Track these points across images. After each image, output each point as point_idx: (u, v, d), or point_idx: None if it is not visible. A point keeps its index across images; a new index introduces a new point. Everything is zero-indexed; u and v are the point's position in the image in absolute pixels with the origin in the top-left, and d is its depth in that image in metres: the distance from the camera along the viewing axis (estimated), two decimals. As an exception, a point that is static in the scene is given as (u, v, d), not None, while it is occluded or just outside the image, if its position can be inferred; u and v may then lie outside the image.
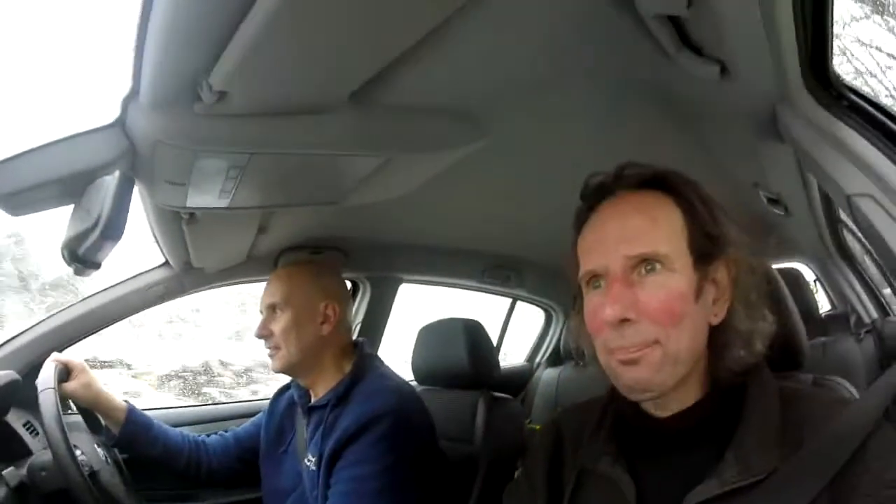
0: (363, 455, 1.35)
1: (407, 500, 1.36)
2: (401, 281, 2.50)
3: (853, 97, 0.89)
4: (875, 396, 0.76)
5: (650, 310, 0.77)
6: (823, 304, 3.70)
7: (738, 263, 0.82)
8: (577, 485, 0.89)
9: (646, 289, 0.78)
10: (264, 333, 1.53)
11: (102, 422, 1.61)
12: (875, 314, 2.97)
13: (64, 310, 1.80)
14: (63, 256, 1.16)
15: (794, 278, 2.50)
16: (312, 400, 1.56)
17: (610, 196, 0.85)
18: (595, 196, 0.87)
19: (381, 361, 1.62)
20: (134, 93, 0.98)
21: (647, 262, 0.79)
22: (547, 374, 3.35)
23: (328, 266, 1.73)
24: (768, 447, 0.75)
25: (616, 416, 0.91)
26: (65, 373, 1.51)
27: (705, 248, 0.80)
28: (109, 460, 1.49)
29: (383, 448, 1.35)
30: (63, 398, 1.44)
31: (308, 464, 1.49)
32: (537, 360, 3.60)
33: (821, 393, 0.87)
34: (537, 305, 3.32)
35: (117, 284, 1.85)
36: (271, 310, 1.54)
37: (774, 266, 1.05)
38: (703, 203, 0.83)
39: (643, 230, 0.80)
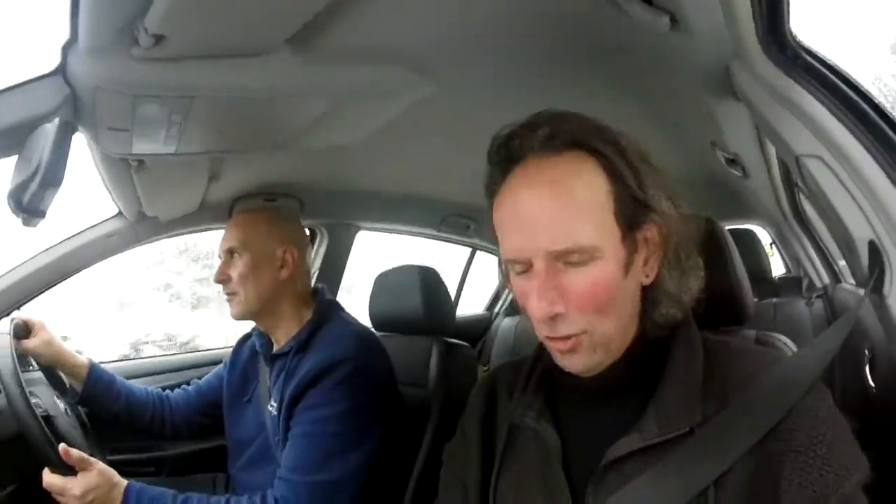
0: (322, 399, 1.37)
1: (365, 443, 1.38)
2: (358, 229, 2.51)
3: (808, 58, 0.88)
4: (814, 356, 0.76)
5: (576, 300, 0.74)
6: (779, 268, 3.81)
7: (667, 221, 0.77)
8: (509, 440, 0.89)
9: (571, 278, 0.74)
10: (222, 278, 1.53)
11: (66, 382, 1.60)
12: (827, 280, 3.04)
13: (18, 266, 1.76)
14: (9, 207, 1.14)
15: (748, 239, 2.55)
16: (274, 348, 1.56)
17: (523, 159, 0.77)
18: (506, 160, 0.79)
19: (342, 308, 1.62)
20: (72, 40, 0.97)
21: (571, 254, 0.73)
22: (505, 324, 3.40)
23: (286, 212, 1.72)
24: (691, 402, 0.75)
25: (543, 371, 0.91)
26: (24, 329, 1.49)
27: (633, 214, 0.76)
28: (70, 413, 1.48)
29: (342, 392, 1.37)
30: (23, 356, 1.43)
31: (270, 409, 1.51)
32: (496, 309, 3.67)
33: (750, 348, 0.85)
34: (496, 255, 3.35)
35: (70, 237, 1.82)
36: (229, 254, 1.53)
37: (731, 227, 1.05)
38: (626, 161, 0.76)
39: (565, 218, 0.73)
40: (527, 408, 0.88)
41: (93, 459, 1.24)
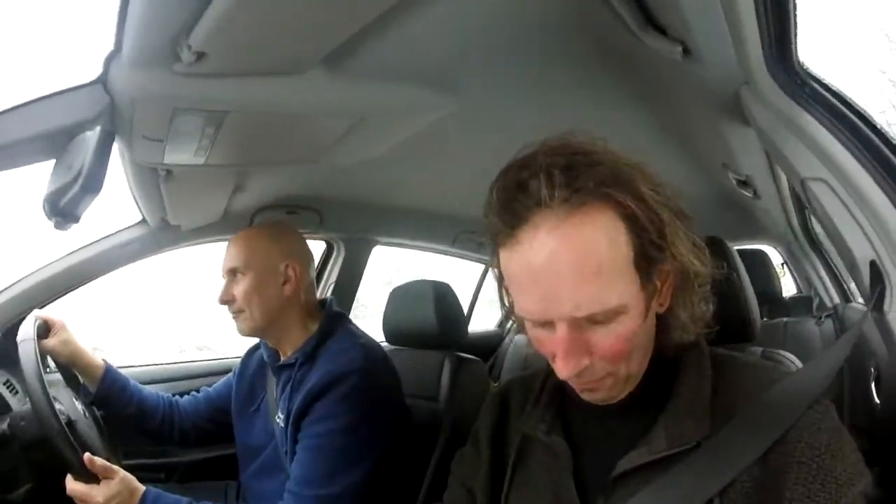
0: (329, 411, 1.37)
1: (370, 455, 1.39)
2: (375, 243, 2.53)
3: (815, 85, 0.90)
4: (818, 371, 0.77)
5: (603, 353, 0.73)
6: (790, 288, 3.79)
7: (682, 254, 0.75)
8: (520, 451, 0.90)
9: (596, 334, 0.73)
10: (227, 299, 1.52)
11: (80, 379, 1.62)
12: (837, 299, 3.03)
13: (42, 268, 1.80)
14: (44, 210, 1.17)
15: (759, 259, 2.59)
16: (281, 359, 1.56)
17: (537, 212, 0.70)
18: (516, 211, 0.71)
19: (349, 320, 1.62)
20: (116, 51, 1.00)
21: (597, 315, 0.71)
22: (517, 340, 3.36)
23: (287, 226, 1.71)
24: (699, 416, 0.76)
25: (555, 384, 0.91)
26: (44, 328, 1.50)
27: (651, 259, 0.73)
28: (87, 415, 1.49)
29: (349, 405, 1.37)
30: (42, 355, 1.42)
31: (278, 421, 1.51)
32: (508, 325, 3.65)
33: (756, 362, 0.85)
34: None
35: (94, 242, 1.86)
36: (232, 274, 1.52)
37: (743, 247, 1.07)
38: (644, 206, 0.72)
39: (590, 283, 0.69)
40: (538, 420, 0.89)
41: (115, 467, 1.26)
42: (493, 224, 0.74)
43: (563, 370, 0.73)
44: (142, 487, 1.29)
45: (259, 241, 1.56)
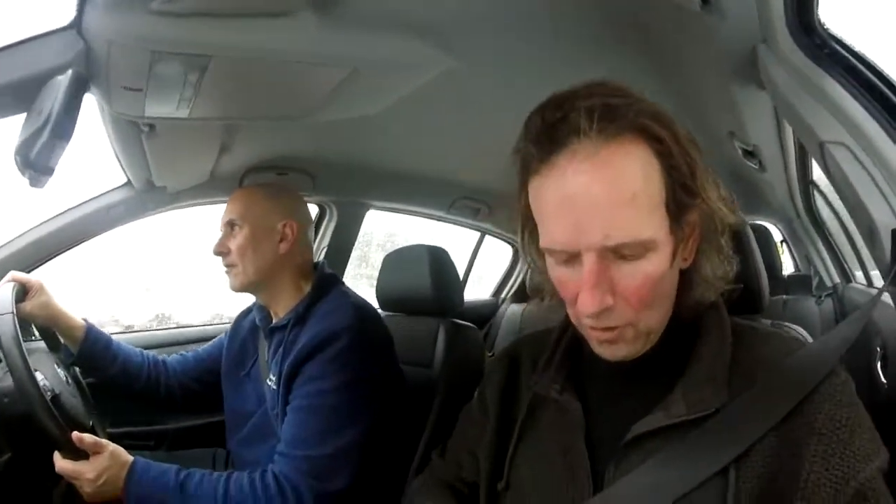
0: (320, 371, 1.37)
1: (362, 416, 1.38)
2: (368, 207, 2.50)
3: (836, 46, 0.88)
4: (833, 342, 0.76)
5: (627, 295, 0.72)
6: (788, 268, 3.83)
7: (710, 206, 0.75)
8: (530, 410, 0.89)
9: (622, 271, 0.71)
10: (221, 250, 1.53)
11: (61, 340, 1.60)
12: (837, 279, 3.07)
13: (23, 234, 1.75)
14: (16, 163, 1.12)
15: (761, 234, 2.57)
16: (273, 321, 1.56)
17: (573, 141, 0.69)
18: (552, 139, 0.71)
19: (342, 282, 1.62)
20: (90, -9, 0.95)
21: (626, 247, 0.70)
22: (511, 310, 3.42)
23: (288, 188, 1.72)
24: (718, 383, 0.75)
25: (570, 344, 0.90)
26: (22, 292, 1.48)
27: (682, 201, 0.73)
28: (70, 381, 1.47)
29: (340, 364, 1.37)
30: (22, 320, 1.41)
31: (270, 383, 1.51)
32: (503, 295, 3.67)
33: (777, 333, 0.83)
34: (505, 241, 3.36)
35: (78, 206, 1.81)
36: (229, 227, 1.53)
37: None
38: (681, 148, 0.72)
39: (622, 211, 0.68)
40: (551, 380, 0.87)
41: (104, 442, 1.24)
42: (527, 152, 0.73)
43: (587, 304, 0.71)
44: (130, 458, 1.27)
45: (259, 197, 1.57)
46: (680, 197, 0.72)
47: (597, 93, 0.71)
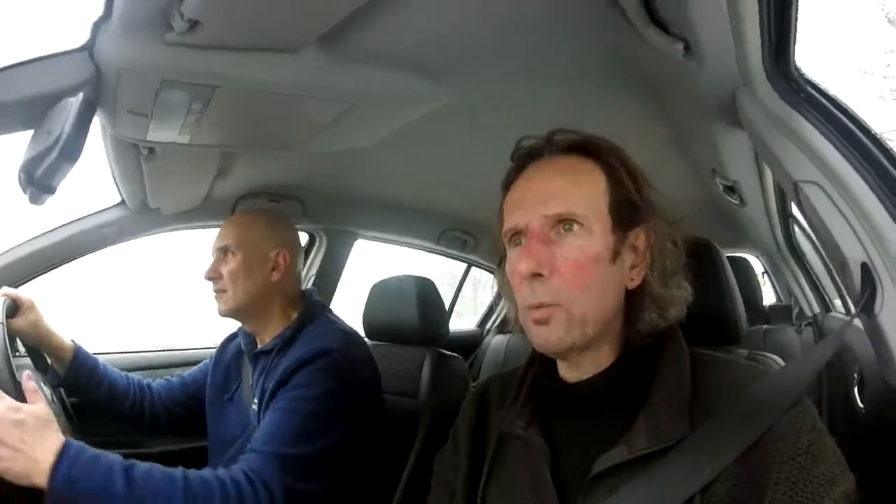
0: (307, 380, 1.36)
1: (338, 427, 1.36)
2: (357, 236, 2.51)
3: (810, 90, 0.92)
4: (800, 370, 0.78)
5: (562, 267, 0.79)
6: (770, 299, 3.87)
7: (657, 231, 0.84)
8: (498, 448, 0.91)
9: (562, 247, 0.80)
10: (213, 276, 1.53)
11: (49, 361, 1.57)
12: (817, 309, 3.10)
13: (14, 248, 1.75)
14: (19, 180, 1.13)
15: (742, 266, 2.66)
16: (258, 347, 1.56)
17: (538, 158, 0.88)
18: (524, 158, 0.90)
19: (330, 309, 1.62)
20: (105, 17, 0.97)
21: (565, 222, 0.81)
22: (496, 341, 3.42)
23: (283, 216, 1.73)
24: (679, 414, 0.76)
25: (534, 380, 0.93)
26: (13, 308, 1.47)
27: (626, 214, 0.83)
28: (55, 399, 1.44)
29: (323, 377, 1.36)
30: (10, 336, 1.40)
31: (254, 407, 1.50)
32: (488, 326, 3.68)
33: (737, 361, 0.86)
34: (491, 272, 3.38)
35: (70, 223, 1.81)
36: (222, 252, 1.54)
37: (726, 254, 1.09)
38: (627, 170, 0.85)
39: (564, 191, 0.82)
40: (516, 416, 0.89)
41: (43, 401, 1.13)
42: (508, 174, 0.92)
43: (523, 268, 0.80)
44: (62, 438, 1.09)
45: (255, 224, 1.58)
46: (623, 210, 0.83)
47: (563, 131, 0.89)
